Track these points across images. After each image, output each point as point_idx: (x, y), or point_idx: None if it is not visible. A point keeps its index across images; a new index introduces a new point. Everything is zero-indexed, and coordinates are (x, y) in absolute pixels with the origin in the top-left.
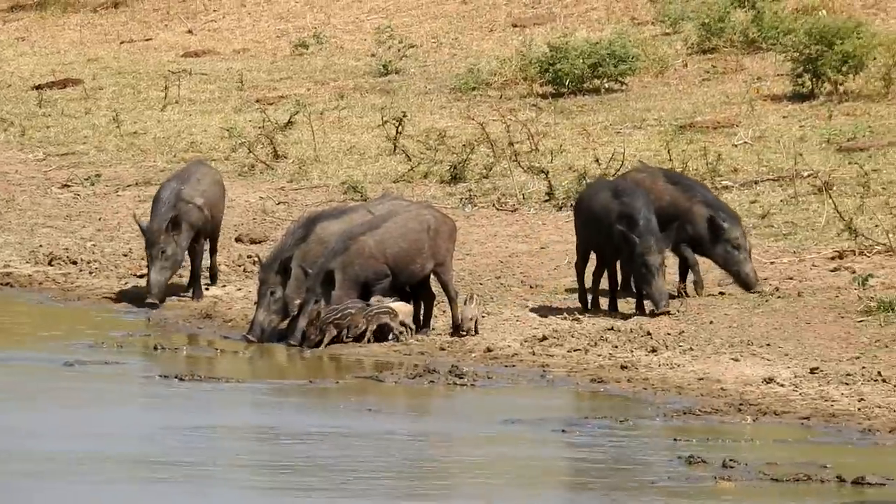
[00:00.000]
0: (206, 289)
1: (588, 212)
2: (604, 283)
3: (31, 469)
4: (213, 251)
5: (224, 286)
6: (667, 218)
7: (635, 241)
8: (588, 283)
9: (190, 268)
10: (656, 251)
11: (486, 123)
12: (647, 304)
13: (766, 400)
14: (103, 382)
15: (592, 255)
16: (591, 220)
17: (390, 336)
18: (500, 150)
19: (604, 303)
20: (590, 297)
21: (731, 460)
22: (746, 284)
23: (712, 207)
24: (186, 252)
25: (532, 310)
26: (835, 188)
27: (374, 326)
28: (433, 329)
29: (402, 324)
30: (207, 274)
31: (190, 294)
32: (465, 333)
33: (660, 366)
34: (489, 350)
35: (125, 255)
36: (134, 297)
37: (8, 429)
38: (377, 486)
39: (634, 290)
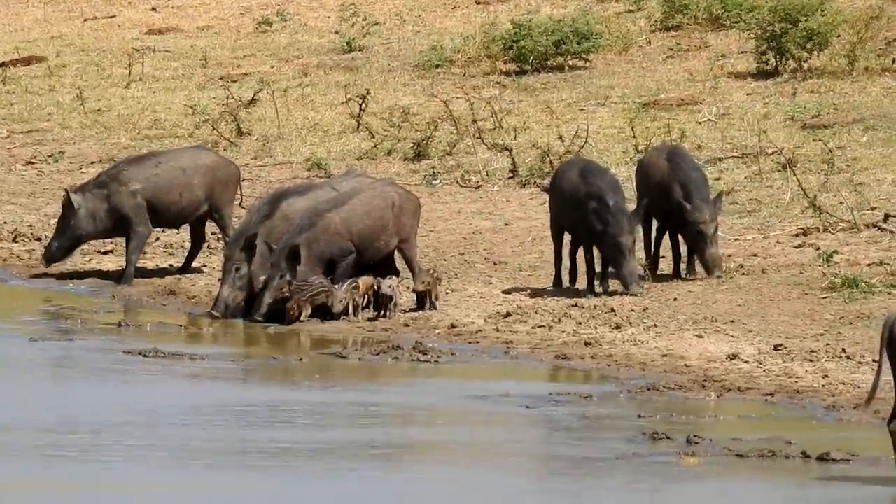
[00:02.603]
0: (170, 266)
1: (559, 191)
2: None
3: None
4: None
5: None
6: (657, 194)
7: (607, 220)
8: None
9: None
10: (628, 231)
11: (449, 101)
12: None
13: (731, 376)
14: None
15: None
16: (561, 200)
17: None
18: (463, 128)
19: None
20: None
21: (695, 436)
22: (706, 269)
23: (685, 189)
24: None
25: (496, 286)
26: (799, 165)
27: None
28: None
29: (385, 296)
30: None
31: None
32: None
33: (624, 342)
34: (453, 326)
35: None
36: (98, 274)
37: None
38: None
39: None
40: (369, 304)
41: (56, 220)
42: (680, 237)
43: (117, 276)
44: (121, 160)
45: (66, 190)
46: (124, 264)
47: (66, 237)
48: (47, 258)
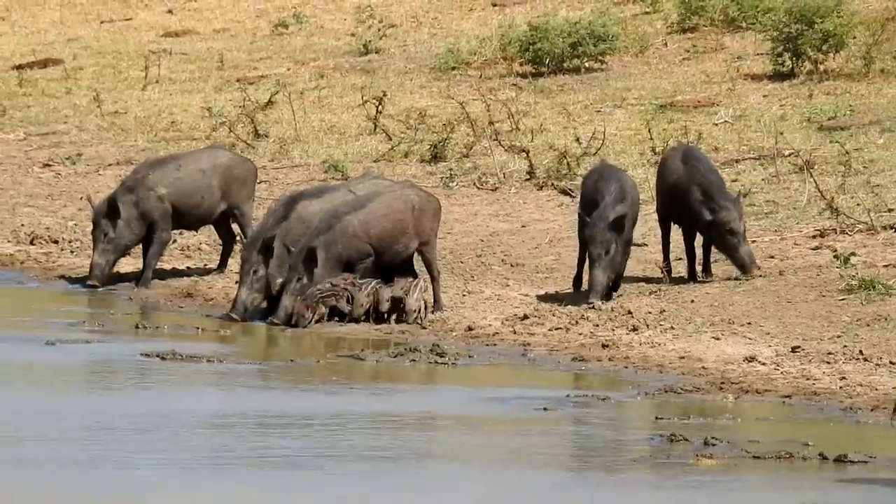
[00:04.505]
0: (187, 268)
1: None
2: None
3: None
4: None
5: (205, 265)
6: (675, 196)
7: (586, 222)
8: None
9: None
10: (599, 241)
11: (466, 103)
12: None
13: (748, 378)
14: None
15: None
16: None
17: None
18: (480, 130)
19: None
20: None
21: (712, 438)
22: (742, 267)
23: (706, 191)
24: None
25: (513, 288)
26: (816, 167)
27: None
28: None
29: (411, 311)
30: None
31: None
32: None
33: (641, 344)
34: (470, 329)
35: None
36: (115, 277)
37: None
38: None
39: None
40: (391, 312)
41: (93, 235)
42: (697, 239)
43: (134, 279)
44: (140, 165)
45: (108, 199)
46: (142, 267)
47: (113, 251)
48: (100, 277)
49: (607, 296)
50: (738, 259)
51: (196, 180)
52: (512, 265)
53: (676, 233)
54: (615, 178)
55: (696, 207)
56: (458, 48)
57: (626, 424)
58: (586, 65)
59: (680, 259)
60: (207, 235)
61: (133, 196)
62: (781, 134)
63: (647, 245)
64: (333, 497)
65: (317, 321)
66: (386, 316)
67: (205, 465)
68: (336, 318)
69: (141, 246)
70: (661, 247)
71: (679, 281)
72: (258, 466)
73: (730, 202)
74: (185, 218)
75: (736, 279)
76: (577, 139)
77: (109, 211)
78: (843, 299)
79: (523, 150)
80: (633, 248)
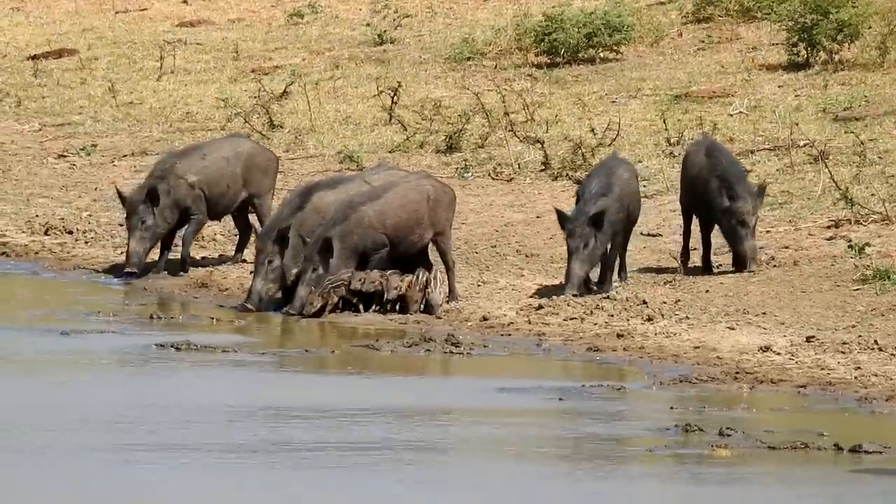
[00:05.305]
0: (201, 259)
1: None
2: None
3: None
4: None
5: (220, 255)
6: (696, 188)
7: (565, 216)
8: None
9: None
10: (577, 235)
11: (481, 93)
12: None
13: (763, 368)
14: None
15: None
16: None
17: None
18: (495, 120)
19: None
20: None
21: (727, 428)
22: (741, 262)
23: (725, 181)
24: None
25: (527, 279)
26: (831, 157)
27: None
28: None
29: (434, 304)
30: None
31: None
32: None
33: (656, 334)
34: (485, 319)
35: (121, 225)
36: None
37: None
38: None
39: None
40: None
41: (128, 224)
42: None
43: (148, 269)
44: (167, 154)
45: (145, 187)
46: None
47: (150, 238)
48: (138, 265)
49: (607, 286)
50: (741, 252)
51: (221, 168)
52: (527, 255)
53: (695, 224)
54: (606, 171)
55: (715, 196)
56: (473, 38)
57: (641, 415)
58: (601, 55)
59: (695, 249)
60: (223, 226)
61: (165, 185)
62: (796, 124)
63: (661, 235)
64: (351, 489)
65: (330, 311)
66: (391, 307)
67: (214, 456)
68: (351, 309)
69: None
70: (677, 237)
71: (694, 271)
72: (270, 457)
73: (749, 194)
74: (212, 207)
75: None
76: (592, 130)
77: (148, 199)
78: (857, 289)
79: (538, 141)
80: (649, 238)
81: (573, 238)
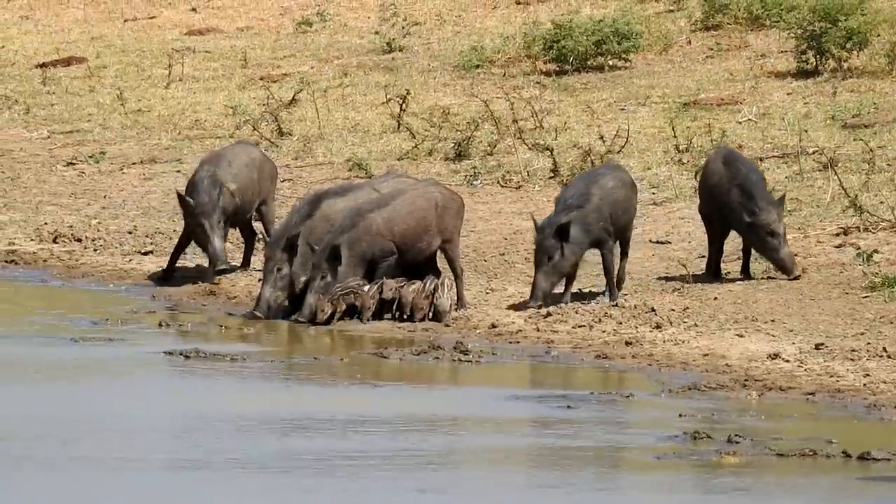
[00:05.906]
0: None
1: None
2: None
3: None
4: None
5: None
6: (715, 197)
7: (536, 227)
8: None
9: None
10: (543, 248)
11: (490, 101)
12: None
13: (772, 376)
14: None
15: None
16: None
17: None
18: (504, 128)
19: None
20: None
21: (736, 435)
22: (783, 269)
23: (746, 192)
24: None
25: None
26: (840, 165)
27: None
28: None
29: (443, 311)
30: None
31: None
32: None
33: (664, 342)
34: (494, 326)
35: (130, 233)
36: (138, 275)
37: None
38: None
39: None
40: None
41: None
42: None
43: (157, 277)
44: (200, 165)
45: (212, 195)
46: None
47: (221, 236)
48: (221, 261)
49: (613, 295)
50: (779, 261)
51: (245, 175)
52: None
53: (702, 230)
54: (587, 180)
55: (735, 209)
56: (481, 46)
57: (649, 422)
58: (610, 63)
59: (702, 257)
60: (230, 234)
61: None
62: (805, 132)
63: (670, 242)
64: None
65: (339, 319)
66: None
67: (221, 466)
68: (357, 316)
69: (147, 246)
70: (686, 244)
71: (702, 278)
72: (278, 467)
73: (770, 204)
74: (240, 214)
75: (770, 278)
76: (601, 137)
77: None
78: (866, 297)
79: (547, 149)
80: (657, 245)
81: (538, 250)
